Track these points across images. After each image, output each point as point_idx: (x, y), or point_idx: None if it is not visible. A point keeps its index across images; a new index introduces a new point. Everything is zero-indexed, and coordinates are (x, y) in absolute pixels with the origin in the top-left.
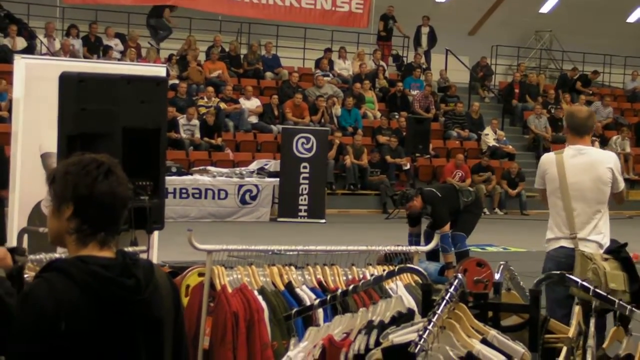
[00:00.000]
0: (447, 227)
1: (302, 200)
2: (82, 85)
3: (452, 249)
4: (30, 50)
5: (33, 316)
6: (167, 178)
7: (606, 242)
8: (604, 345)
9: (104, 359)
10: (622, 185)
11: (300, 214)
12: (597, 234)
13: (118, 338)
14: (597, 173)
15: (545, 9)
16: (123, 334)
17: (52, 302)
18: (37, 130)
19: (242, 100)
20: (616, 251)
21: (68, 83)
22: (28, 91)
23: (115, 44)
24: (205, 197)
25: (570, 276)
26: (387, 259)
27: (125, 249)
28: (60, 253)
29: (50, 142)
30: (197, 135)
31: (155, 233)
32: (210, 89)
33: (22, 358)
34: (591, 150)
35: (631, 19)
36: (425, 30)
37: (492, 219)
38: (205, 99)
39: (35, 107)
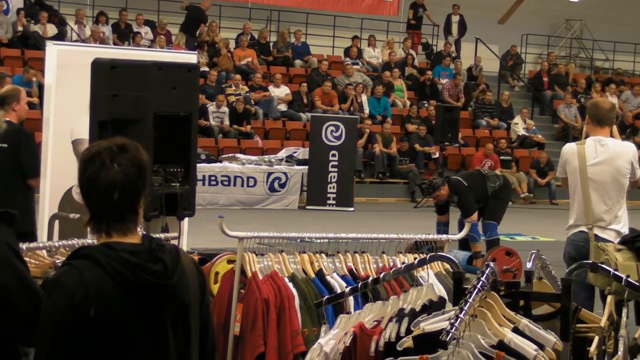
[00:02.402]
0: (474, 216)
1: (330, 188)
2: (114, 72)
3: (480, 238)
4: (60, 37)
5: (62, 302)
6: (197, 165)
7: (625, 231)
8: (636, 335)
9: (133, 343)
10: (639, 173)
11: (328, 202)
12: (616, 223)
13: (147, 323)
14: (617, 166)
15: None
16: (152, 319)
17: (81, 288)
18: (68, 117)
19: (271, 87)
20: (631, 241)
21: (100, 69)
22: (60, 77)
23: (145, 32)
24: (234, 185)
25: (603, 265)
26: (417, 247)
27: (157, 235)
28: (92, 238)
29: (81, 129)
30: (226, 122)
31: (186, 220)
32: (238, 77)
33: (52, 345)
34: (611, 141)
35: None
36: (455, 18)
37: (521, 209)
38: (233, 87)
39: (66, 94)
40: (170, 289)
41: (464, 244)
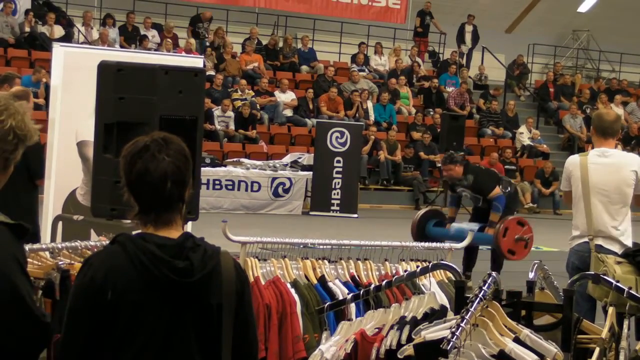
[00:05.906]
0: (497, 189)
1: (334, 194)
2: (121, 75)
3: (501, 210)
4: (67, 38)
5: (85, 281)
6: (201, 169)
7: (629, 243)
8: (637, 347)
9: (151, 335)
10: None
11: (332, 208)
12: (620, 235)
13: (167, 317)
14: (621, 175)
15: (583, 8)
16: (171, 315)
17: (103, 271)
18: (74, 118)
19: (277, 93)
20: (632, 255)
21: (107, 72)
22: (66, 79)
23: (153, 35)
24: (238, 189)
25: (605, 277)
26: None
27: None
28: (95, 240)
29: (87, 130)
30: (232, 127)
31: (189, 223)
32: (244, 82)
33: (71, 320)
34: (615, 152)
35: None
36: (469, 28)
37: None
38: (239, 92)
39: (72, 95)
40: (192, 288)
41: (469, 252)
